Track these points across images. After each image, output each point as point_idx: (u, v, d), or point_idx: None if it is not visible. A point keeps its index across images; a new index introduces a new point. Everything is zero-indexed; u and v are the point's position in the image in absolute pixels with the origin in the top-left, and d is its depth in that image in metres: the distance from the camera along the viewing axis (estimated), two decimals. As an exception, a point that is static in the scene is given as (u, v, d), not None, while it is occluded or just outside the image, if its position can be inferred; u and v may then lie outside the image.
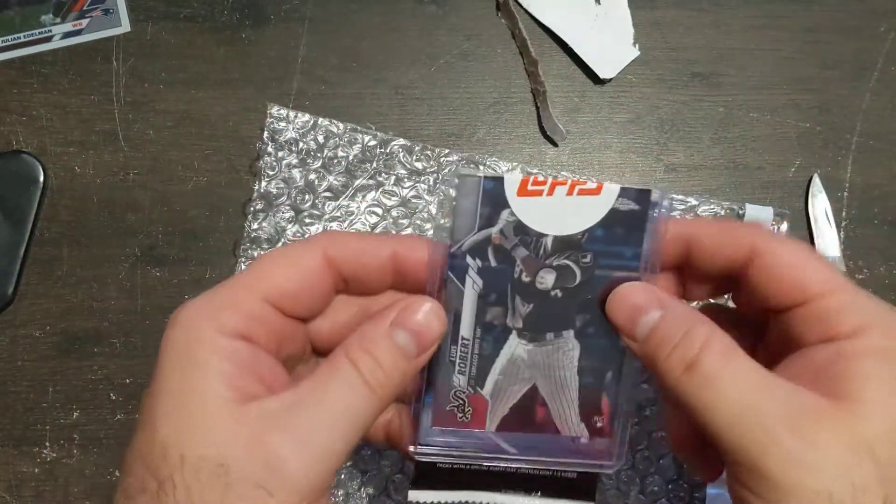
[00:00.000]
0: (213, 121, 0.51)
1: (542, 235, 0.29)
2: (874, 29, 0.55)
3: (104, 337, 0.48)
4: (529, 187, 0.28)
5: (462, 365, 0.31)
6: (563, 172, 0.51)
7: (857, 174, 0.53)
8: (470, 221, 0.29)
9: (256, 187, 0.50)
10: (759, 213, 0.52)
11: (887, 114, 0.54)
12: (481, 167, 0.51)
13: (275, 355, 0.28)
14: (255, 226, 0.49)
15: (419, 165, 0.51)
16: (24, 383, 0.48)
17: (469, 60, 0.53)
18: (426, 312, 0.28)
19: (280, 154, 0.50)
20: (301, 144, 0.50)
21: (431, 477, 0.39)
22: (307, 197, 0.49)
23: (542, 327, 0.30)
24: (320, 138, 0.50)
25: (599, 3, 0.54)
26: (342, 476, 0.47)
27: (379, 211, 0.50)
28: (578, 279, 0.29)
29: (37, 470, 0.47)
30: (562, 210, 0.29)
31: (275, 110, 0.51)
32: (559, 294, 0.29)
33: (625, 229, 0.29)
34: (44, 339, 0.48)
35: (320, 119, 0.51)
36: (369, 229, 0.50)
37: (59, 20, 0.51)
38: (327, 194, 0.50)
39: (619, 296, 0.29)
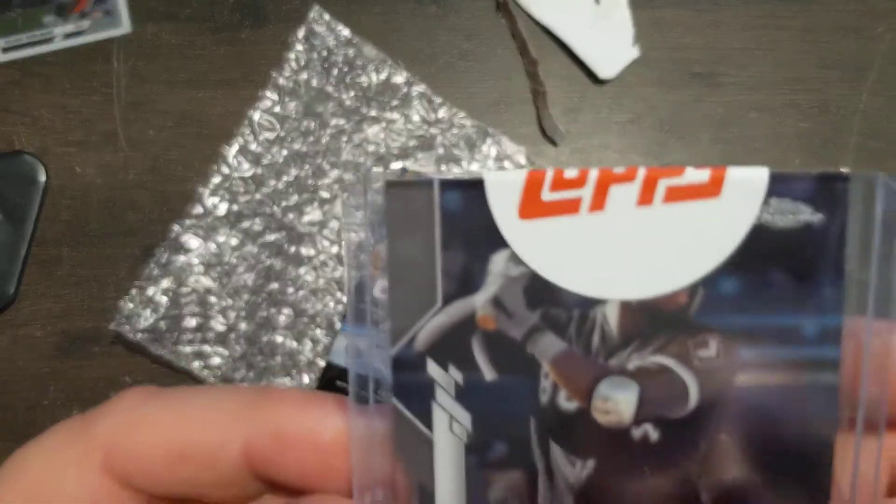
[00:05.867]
0: (213, 121, 0.51)
1: (596, 303, 0.14)
2: (873, 29, 0.55)
3: (104, 337, 0.48)
4: (548, 195, 0.14)
5: None
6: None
7: (858, 174, 0.53)
8: (422, 284, 0.14)
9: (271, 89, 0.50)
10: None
11: (886, 114, 0.54)
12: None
13: None
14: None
15: (431, 116, 0.51)
16: (25, 383, 0.48)
17: (469, 60, 0.53)
18: None
19: (309, 56, 0.51)
20: (332, 56, 0.51)
21: None
22: (318, 110, 0.50)
23: None
24: (350, 53, 0.51)
25: (599, 3, 0.54)
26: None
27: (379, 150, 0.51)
28: (694, 400, 0.14)
29: (37, 470, 0.47)
30: (630, 239, 0.14)
31: (318, 13, 0.51)
32: (651, 436, 0.14)
33: (793, 275, 0.14)
34: (44, 339, 0.48)
35: (357, 38, 0.52)
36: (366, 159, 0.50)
37: (60, 21, 0.52)
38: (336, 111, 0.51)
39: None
